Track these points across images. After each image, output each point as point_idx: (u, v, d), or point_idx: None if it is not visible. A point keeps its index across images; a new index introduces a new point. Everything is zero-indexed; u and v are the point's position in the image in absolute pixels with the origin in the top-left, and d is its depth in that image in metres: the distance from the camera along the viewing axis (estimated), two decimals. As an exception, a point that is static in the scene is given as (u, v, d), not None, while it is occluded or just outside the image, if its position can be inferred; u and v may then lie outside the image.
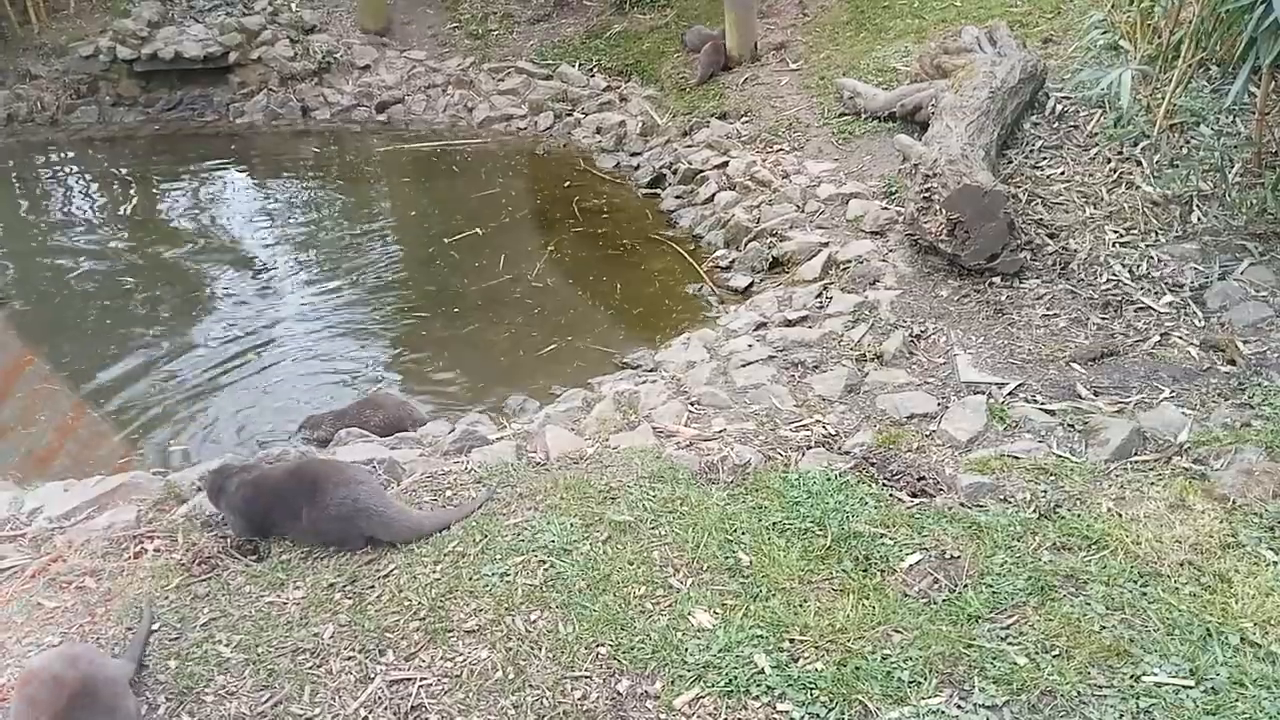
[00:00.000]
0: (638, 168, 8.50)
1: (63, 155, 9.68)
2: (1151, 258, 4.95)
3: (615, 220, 7.61)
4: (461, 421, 4.56)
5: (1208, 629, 2.73)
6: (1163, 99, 5.45)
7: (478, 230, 7.42)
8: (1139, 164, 5.43)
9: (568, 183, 8.47)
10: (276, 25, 10.88)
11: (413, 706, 2.66)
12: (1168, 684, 2.56)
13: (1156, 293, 4.77)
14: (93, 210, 8.46)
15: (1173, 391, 4.12)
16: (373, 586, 3.11)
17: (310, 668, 2.80)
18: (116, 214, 8.22)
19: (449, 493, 3.62)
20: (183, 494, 3.69)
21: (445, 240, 7.30)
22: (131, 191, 8.63)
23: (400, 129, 10.17)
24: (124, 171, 9.13)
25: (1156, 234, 5.07)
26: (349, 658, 2.83)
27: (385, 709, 2.66)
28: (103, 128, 10.25)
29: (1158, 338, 4.51)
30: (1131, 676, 2.60)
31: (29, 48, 10.63)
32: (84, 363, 5.73)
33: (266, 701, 2.70)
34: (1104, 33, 6.21)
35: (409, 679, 2.75)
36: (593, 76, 10.32)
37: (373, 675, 2.77)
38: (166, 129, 10.26)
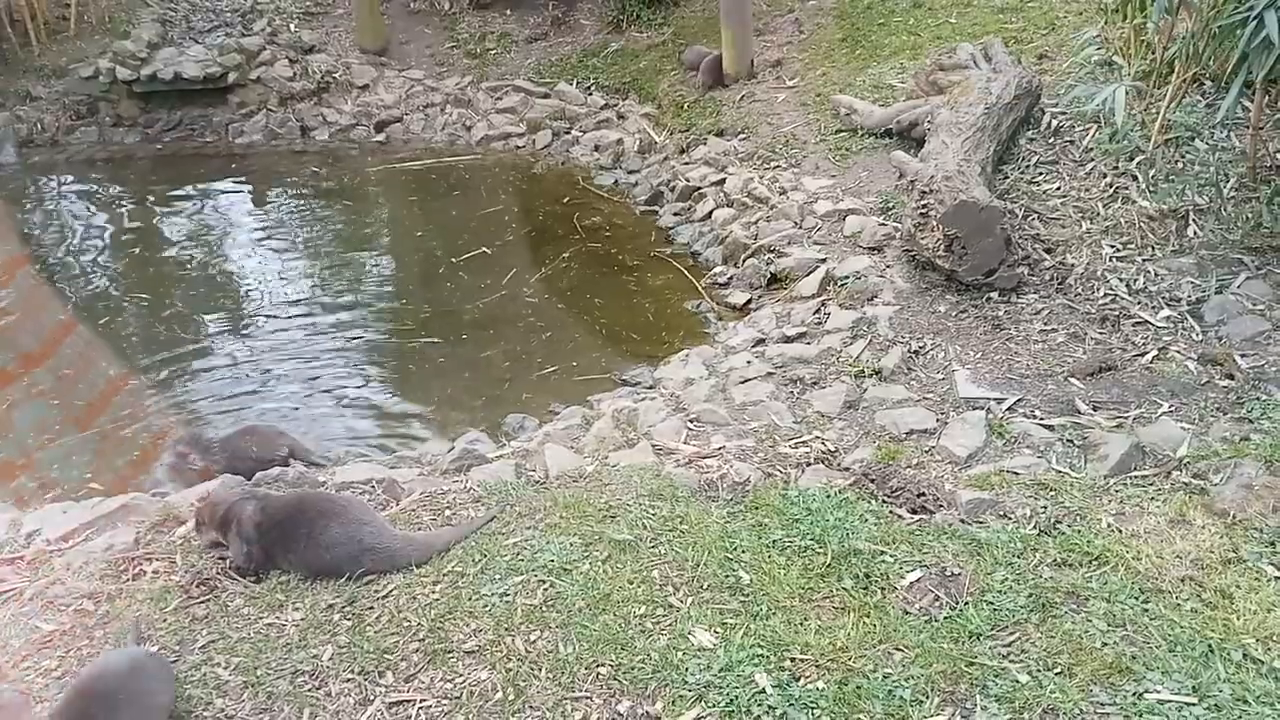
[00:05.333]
0: (636, 185, 8.53)
1: (62, 176, 9.69)
2: (1148, 272, 4.97)
3: (615, 238, 7.63)
4: (461, 440, 4.55)
5: (1210, 645, 2.72)
6: (1157, 114, 5.48)
7: (485, 250, 7.44)
8: (1135, 179, 5.45)
9: (567, 199, 8.50)
10: (275, 45, 10.94)
11: (412, 729, 2.65)
12: (1170, 701, 2.55)
13: (1154, 307, 4.78)
14: (92, 231, 8.45)
15: (1171, 406, 4.12)
16: (371, 608, 3.10)
17: (309, 690, 2.79)
18: (116, 234, 8.23)
19: (448, 512, 3.62)
20: (181, 515, 3.68)
21: (454, 260, 7.31)
22: (130, 212, 8.64)
23: (399, 148, 10.20)
24: (124, 192, 9.14)
25: (1153, 248, 5.09)
26: (348, 680, 2.82)
27: (384, 731, 2.65)
28: (103, 148, 10.28)
29: (1155, 352, 4.51)
30: (1134, 694, 2.59)
31: (29, 69, 10.67)
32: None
33: (265, 725, 2.69)
34: (1098, 49, 6.25)
35: (409, 701, 2.74)
36: (590, 94, 10.37)
37: (372, 697, 2.76)
38: (166, 149, 10.28)
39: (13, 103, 10.36)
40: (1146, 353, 4.52)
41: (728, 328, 5.86)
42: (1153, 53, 5.62)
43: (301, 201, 8.99)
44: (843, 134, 7.45)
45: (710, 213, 7.38)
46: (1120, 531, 3.27)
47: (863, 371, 4.67)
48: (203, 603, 3.20)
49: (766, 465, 3.91)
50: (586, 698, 2.70)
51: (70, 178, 9.64)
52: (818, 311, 5.42)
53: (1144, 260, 5.04)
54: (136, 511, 3.79)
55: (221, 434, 4.74)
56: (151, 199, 8.94)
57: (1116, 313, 4.79)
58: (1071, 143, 5.97)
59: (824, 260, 5.93)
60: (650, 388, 5.16)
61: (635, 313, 6.43)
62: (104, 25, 11.15)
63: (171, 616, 3.13)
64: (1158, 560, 3.09)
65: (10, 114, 10.20)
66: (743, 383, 4.73)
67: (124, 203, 8.91)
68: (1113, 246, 5.16)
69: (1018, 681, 2.66)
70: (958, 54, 6.85)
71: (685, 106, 9.25)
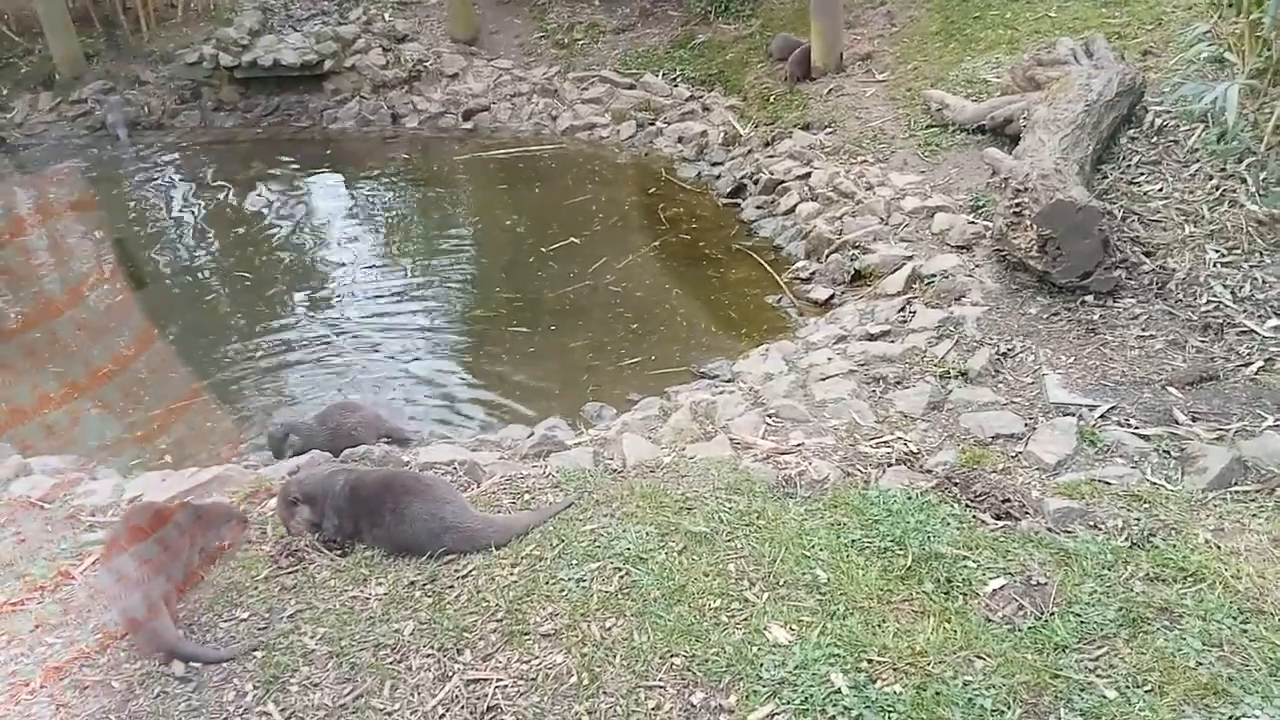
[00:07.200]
0: (719, 177, 8.50)
1: (168, 157, 10.10)
2: (1255, 279, 4.74)
3: (698, 230, 7.62)
4: (540, 426, 4.61)
5: (1314, 671, 2.60)
6: (1271, 114, 5.21)
7: (574, 239, 7.51)
8: (1244, 181, 5.20)
9: (651, 190, 8.51)
10: (370, 34, 11.21)
11: (489, 707, 2.70)
12: (1269, 727, 2.44)
13: (1261, 316, 4.57)
14: (195, 211, 8.79)
15: (1277, 420, 3.93)
16: (452, 586, 3.16)
17: (391, 663, 2.87)
18: (218, 215, 8.54)
19: (527, 496, 3.67)
20: (272, 488, 3.81)
21: (543, 249, 7.39)
22: (230, 194, 8.96)
23: (486, 136, 10.35)
24: (225, 173, 9.48)
25: (1261, 254, 4.85)
26: (428, 655, 2.89)
27: (462, 708, 2.71)
28: (204, 131, 10.70)
29: (1261, 363, 4.31)
30: (1229, 717, 2.48)
31: (138, 55, 11.17)
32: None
33: (349, 694, 2.77)
34: (1209, 45, 5.97)
35: (485, 679, 2.79)
36: (676, 86, 10.36)
37: (450, 674, 2.82)
38: (264, 134, 10.64)
39: (123, 86, 10.85)
40: (1251, 363, 4.33)
41: (809, 323, 5.80)
42: (1269, 49, 5.35)
43: (392, 187, 9.20)
44: (933, 129, 7.30)
45: (794, 207, 7.31)
46: (1219, 548, 3.14)
47: (948, 372, 4.57)
48: (291, 573, 3.31)
49: (846, 464, 3.86)
50: (660, 687, 2.71)
51: (175, 158, 10.04)
52: (902, 310, 5.33)
53: (1250, 267, 4.81)
54: (230, 482, 3.94)
55: (319, 411, 4.88)
56: (251, 181, 9.26)
57: (1220, 320, 4.59)
58: (1175, 143, 5.74)
59: (910, 257, 5.82)
60: (729, 381, 5.14)
61: (715, 306, 6.42)
62: (209, 13, 11.60)
63: (262, 585, 3.25)
64: (1259, 580, 2.96)
65: (121, 97, 10.67)
66: (823, 379, 4.67)
67: (225, 184, 9.23)
68: (1217, 251, 4.95)
69: (1105, 697, 2.57)
70: (1057, 49, 6.64)
71: (771, 99, 9.17)
